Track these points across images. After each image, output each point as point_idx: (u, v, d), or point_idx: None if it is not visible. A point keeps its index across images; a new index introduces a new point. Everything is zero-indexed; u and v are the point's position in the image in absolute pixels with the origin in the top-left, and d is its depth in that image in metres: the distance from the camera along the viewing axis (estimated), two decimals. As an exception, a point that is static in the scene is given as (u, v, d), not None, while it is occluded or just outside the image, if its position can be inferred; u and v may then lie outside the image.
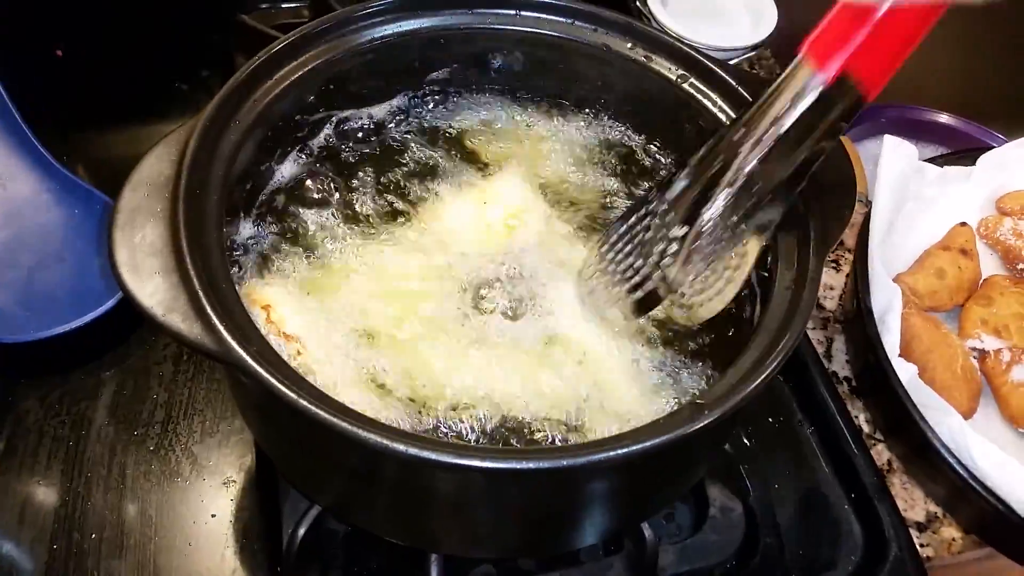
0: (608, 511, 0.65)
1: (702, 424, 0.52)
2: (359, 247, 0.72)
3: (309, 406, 0.50)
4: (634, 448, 0.50)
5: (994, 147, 1.05)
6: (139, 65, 1.12)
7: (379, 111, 0.80)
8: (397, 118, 0.81)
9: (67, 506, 0.76)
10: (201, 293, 0.53)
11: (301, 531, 0.70)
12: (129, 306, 0.54)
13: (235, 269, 0.68)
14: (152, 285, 0.55)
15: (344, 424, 0.49)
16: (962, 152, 1.06)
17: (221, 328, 0.52)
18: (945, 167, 1.00)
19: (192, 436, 0.81)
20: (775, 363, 0.54)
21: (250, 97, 0.67)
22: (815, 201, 0.64)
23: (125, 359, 0.85)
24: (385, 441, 0.49)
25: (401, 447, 0.49)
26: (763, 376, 0.54)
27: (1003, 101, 1.47)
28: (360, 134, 0.79)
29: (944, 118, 1.41)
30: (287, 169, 0.75)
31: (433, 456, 0.49)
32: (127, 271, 0.55)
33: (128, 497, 0.77)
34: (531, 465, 0.49)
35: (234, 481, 0.78)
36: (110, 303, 0.83)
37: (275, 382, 0.51)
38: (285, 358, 0.61)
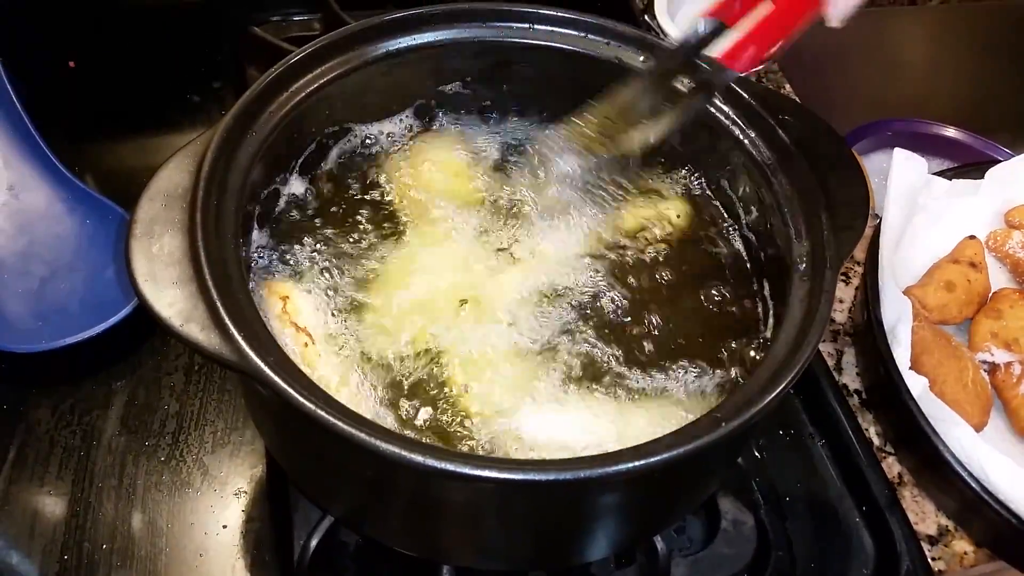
0: (622, 523, 0.64)
1: (719, 436, 0.52)
2: (372, 257, 0.72)
3: (327, 416, 0.50)
4: (651, 460, 0.51)
5: (1000, 160, 1.05)
6: (151, 76, 1.12)
7: (393, 123, 0.81)
8: (412, 130, 0.81)
9: (78, 516, 0.76)
10: (219, 303, 0.54)
11: (313, 542, 0.70)
12: (141, 316, 0.55)
13: (256, 263, 0.70)
14: (170, 295, 0.55)
15: (361, 435, 0.50)
16: (970, 165, 1.07)
17: (239, 338, 0.52)
18: (953, 180, 1.00)
19: (203, 447, 0.81)
20: (792, 376, 0.54)
21: (267, 109, 0.67)
22: (829, 215, 0.64)
23: (136, 369, 0.85)
24: (403, 452, 0.49)
25: (419, 458, 0.49)
26: (780, 389, 0.54)
27: (1008, 115, 1.47)
28: (374, 146, 0.79)
29: (950, 132, 1.42)
30: (304, 180, 0.75)
31: (452, 467, 0.49)
32: (145, 281, 0.55)
33: (139, 508, 0.77)
34: (549, 477, 0.49)
35: (245, 492, 0.78)
36: (122, 314, 0.83)
37: (293, 392, 0.51)
38: (291, 348, 0.64)
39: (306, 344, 0.65)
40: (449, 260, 0.73)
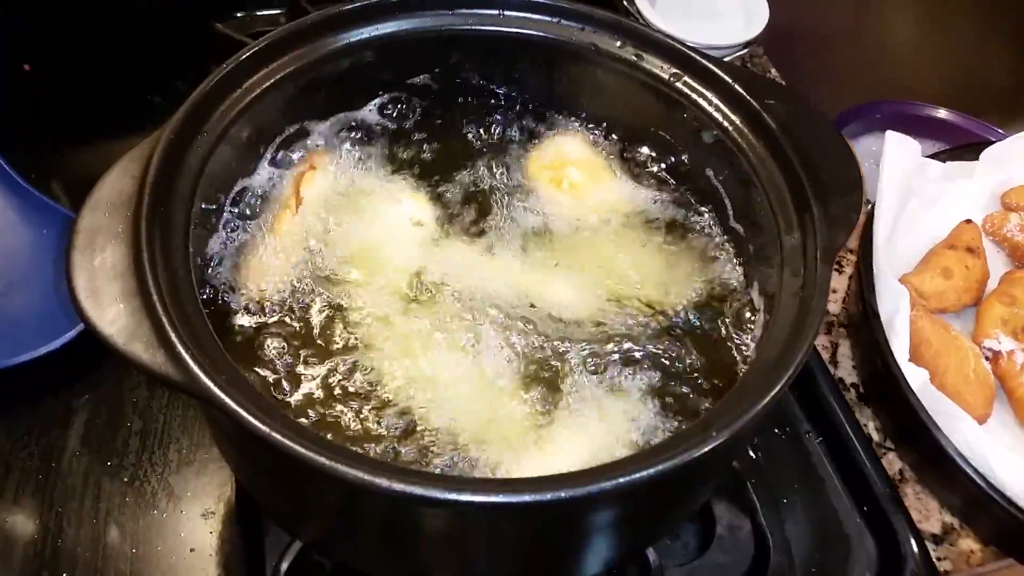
0: (610, 541, 0.61)
1: (710, 447, 0.48)
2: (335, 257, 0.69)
3: (283, 440, 0.46)
4: (637, 476, 0.47)
5: (993, 141, 1.02)
6: (112, 78, 1.07)
7: (355, 119, 0.76)
8: (373, 127, 0.77)
9: (37, 543, 0.72)
10: (165, 320, 0.50)
11: (284, 565, 0.67)
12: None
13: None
14: (113, 312, 0.51)
15: (321, 459, 0.46)
16: (963, 147, 1.03)
17: (187, 357, 0.48)
18: (947, 163, 0.97)
19: (168, 466, 0.77)
20: (786, 378, 0.51)
21: (218, 108, 0.63)
22: (820, 205, 0.60)
23: (97, 386, 0.81)
24: (366, 476, 0.45)
25: (384, 482, 0.45)
26: (773, 393, 0.50)
27: (999, 94, 1.44)
28: (335, 143, 0.75)
29: (941, 113, 1.38)
30: (259, 181, 0.71)
31: (419, 491, 0.45)
32: (86, 297, 0.51)
33: (102, 532, 0.73)
34: (527, 498, 0.45)
35: (213, 513, 0.74)
36: (80, 327, 0.79)
37: (246, 414, 0.47)
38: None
39: (288, 210, 0.66)
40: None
